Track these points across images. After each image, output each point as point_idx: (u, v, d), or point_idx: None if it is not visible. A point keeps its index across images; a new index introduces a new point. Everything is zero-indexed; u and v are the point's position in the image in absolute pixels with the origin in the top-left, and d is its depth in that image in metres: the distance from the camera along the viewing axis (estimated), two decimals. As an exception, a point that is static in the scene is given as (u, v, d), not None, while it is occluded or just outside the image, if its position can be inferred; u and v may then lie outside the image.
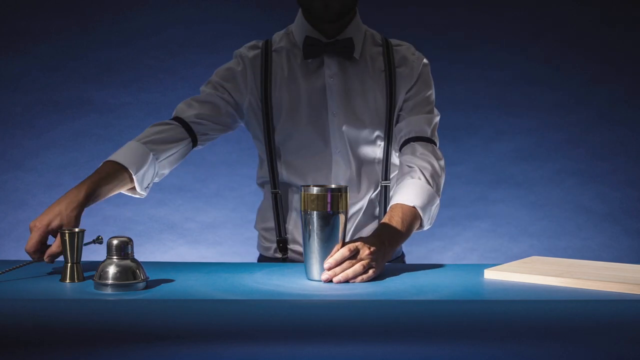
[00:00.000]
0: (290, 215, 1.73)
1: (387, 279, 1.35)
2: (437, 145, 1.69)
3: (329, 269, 1.29)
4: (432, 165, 1.61)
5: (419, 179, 1.57)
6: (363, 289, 1.25)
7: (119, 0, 3.58)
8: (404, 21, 3.54)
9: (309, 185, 1.31)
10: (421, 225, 1.55)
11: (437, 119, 1.72)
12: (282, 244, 1.73)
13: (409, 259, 1.91)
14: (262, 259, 1.82)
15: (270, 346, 1.07)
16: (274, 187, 1.71)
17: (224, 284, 1.28)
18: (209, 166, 3.57)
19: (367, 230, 1.71)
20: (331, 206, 1.29)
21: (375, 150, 1.69)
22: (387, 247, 1.40)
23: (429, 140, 1.67)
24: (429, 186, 1.57)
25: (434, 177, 1.60)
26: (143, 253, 3.53)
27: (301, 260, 1.70)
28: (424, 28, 3.52)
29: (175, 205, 3.56)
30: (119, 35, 3.57)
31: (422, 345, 1.07)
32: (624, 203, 3.65)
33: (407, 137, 1.67)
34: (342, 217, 1.31)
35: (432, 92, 1.73)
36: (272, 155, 1.70)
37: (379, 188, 1.72)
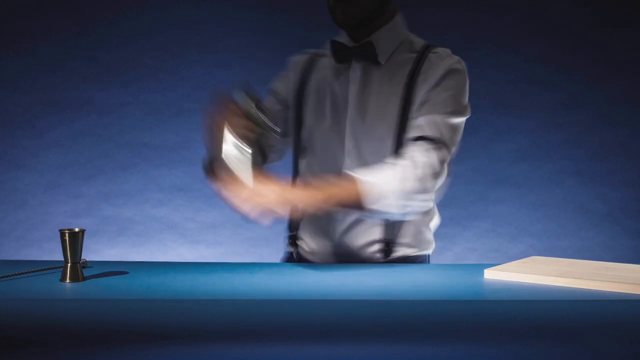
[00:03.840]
0: (304, 213, 1.75)
1: (387, 279, 1.35)
2: (447, 147, 1.60)
3: None
4: (413, 159, 1.54)
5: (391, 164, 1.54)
6: (363, 289, 1.25)
7: (119, 0, 3.58)
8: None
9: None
10: (365, 204, 1.49)
11: (453, 121, 1.61)
12: (292, 239, 1.78)
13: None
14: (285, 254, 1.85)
15: (270, 346, 1.07)
16: (293, 183, 1.75)
17: (224, 284, 1.28)
18: (209, 166, 3.57)
19: (369, 233, 1.69)
20: None
21: (383, 158, 1.63)
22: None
23: (428, 140, 1.58)
24: (392, 170, 1.52)
25: (408, 167, 1.53)
26: (143, 253, 3.53)
27: (309, 258, 1.74)
28: (424, 28, 3.52)
29: (175, 205, 3.56)
30: (119, 35, 3.58)
31: (422, 345, 1.07)
32: (624, 203, 3.65)
33: (408, 138, 1.61)
34: None
35: (451, 95, 1.61)
36: (297, 152, 1.76)
37: None
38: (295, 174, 1.76)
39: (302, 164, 1.75)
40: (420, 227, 1.70)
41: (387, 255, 1.66)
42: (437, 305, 1.14)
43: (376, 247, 1.67)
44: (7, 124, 3.55)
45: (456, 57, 1.67)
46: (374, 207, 1.49)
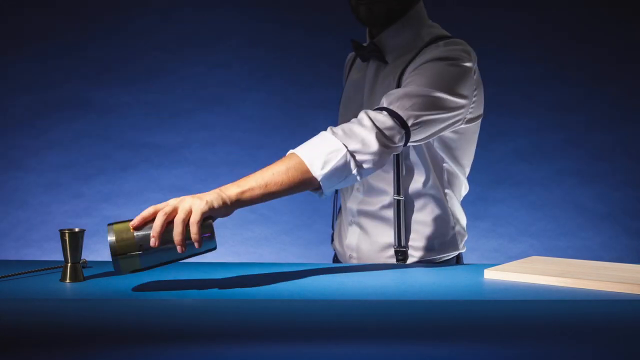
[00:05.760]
0: (339, 212, 1.79)
1: (387, 279, 1.35)
2: (402, 118, 1.42)
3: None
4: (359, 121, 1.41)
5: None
6: (363, 290, 1.25)
7: (119, 0, 3.58)
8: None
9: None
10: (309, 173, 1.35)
11: (416, 90, 1.45)
12: (332, 238, 1.82)
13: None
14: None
15: (270, 346, 1.07)
16: None
17: (224, 284, 1.28)
18: (209, 166, 3.57)
19: (382, 237, 1.67)
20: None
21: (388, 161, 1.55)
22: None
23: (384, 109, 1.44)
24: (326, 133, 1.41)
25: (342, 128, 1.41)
26: (143, 253, 3.52)
27: (340, 258, 1.76)
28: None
29: (175, 205, 3.56)
30: (119, 35, 3.58)
31: (422, 345, 1.07)
32: (624, 203, 3.65)
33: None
34: None
35: (427, 83, 1.46)
36: None
37: (391, 201, 1.62)
38: None
39: None
40: (437, 229, 1.64)
41: (403, 261, 1.63)
42: (437, 305, 1.14)
43: (391, 251, 1.64)
44: (7, 124, 3.55)
45: (455, 47, 1.52)
46: (319, 173, 1.35)
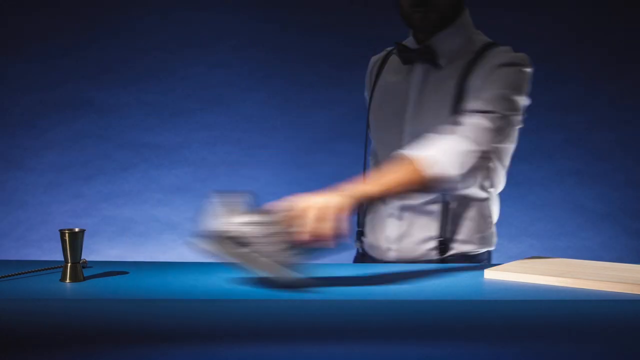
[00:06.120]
0: (366, 210, 1.80)
1: (387, 279, 1.35)
2: (502, 120, 1.55)
3: None
4: (466, 132, 1.51)
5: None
6: (363, 290, 1.24)
7: (119, 0, 3.58)
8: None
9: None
10: (425, 180, 1.44)
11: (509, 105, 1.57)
12: (359, 234, 1.83)
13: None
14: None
15: (270, 346, 1.07)
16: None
17: (224, 284, 1.28)
18: (209, 166, 3.57)
19: (425, 229, 1.69)
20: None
21: None
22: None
23: (482, 112, 1.53)
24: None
25: (462, 138, 1.50)
26: (143, 253, 3.53)
27: (370, 253, 1.78)
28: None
29: (175, 205, 3.56)
30: (119, 35, 3.58)
31: (422, 345, 1.07)
32: (624, 203, 3.65)
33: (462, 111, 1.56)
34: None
35: (501, 92, 1.57)
36: (365, 149, 1.82)
37: (439, 195, 1.65)
38: (364, 170, 1.82)
39: (370, 162, 1.82)
40: (479, 223, 1.72)
41: (442, 253, 1.68)
42: (437, 305, 1.14)
43: (432, 244, 1.68)
44: (7, 124, 3.55)
45: (517, 54, 1.64)
46: (435, 179, 1.44)
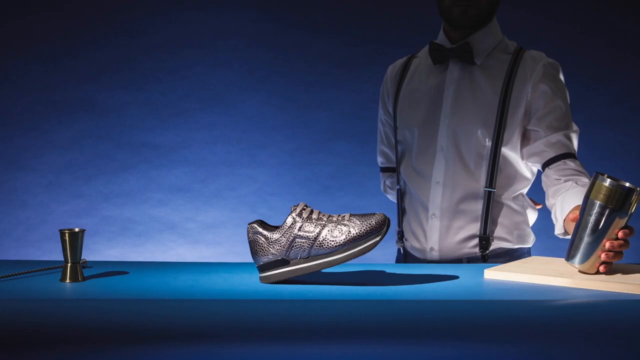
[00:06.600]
0: (405, 212, 1.84)
1: (387, 279, 1.35)
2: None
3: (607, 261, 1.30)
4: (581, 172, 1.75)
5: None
6: (363, 289, 1.25)
7: (119, 0, 3.58)
8: (404, 22, 3.54)
9: (604, 174, 1.30)
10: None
11: (575, 134, 1.77)
12: (400, 235, 1.86)
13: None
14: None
15: (270, 346, 1.07)
16: (397, 182, 1.87)
17: (224, 284, 1.28)
18: (209, 166, 3.57)
19: (467, 229, 1.74)
20: (618, 203, 1.29)
21: (479, 156, 1.72)
22: None
23: (574, 157, 1.77)
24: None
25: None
26: (143, 253, 3.53)
27: (413, 254, 1.81)
28: (424, 29, 3.52)
29: (175, 205, 3.56)
30: (119, 35, 3.58)
31: (422, 345, 1.07)
32: (624, 203, 3.65)
33: (554, 155, 1.74)
34: (623, 216, 1.29)
35: (563, 102, 1.72)
36: (396, 151, 1.87)
37: (481, 194, 1.73)
38: (398, 178, 1.86)
39: (402, 165, 1.84)
40: (516, 222, 1.77)
41: (485, 250, 1.73)
42: (437, 305, 1.14)
43: (474, 241, 1.73)
44: (7, 124, 3.55)
45: (550, 59, 1.78)
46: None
